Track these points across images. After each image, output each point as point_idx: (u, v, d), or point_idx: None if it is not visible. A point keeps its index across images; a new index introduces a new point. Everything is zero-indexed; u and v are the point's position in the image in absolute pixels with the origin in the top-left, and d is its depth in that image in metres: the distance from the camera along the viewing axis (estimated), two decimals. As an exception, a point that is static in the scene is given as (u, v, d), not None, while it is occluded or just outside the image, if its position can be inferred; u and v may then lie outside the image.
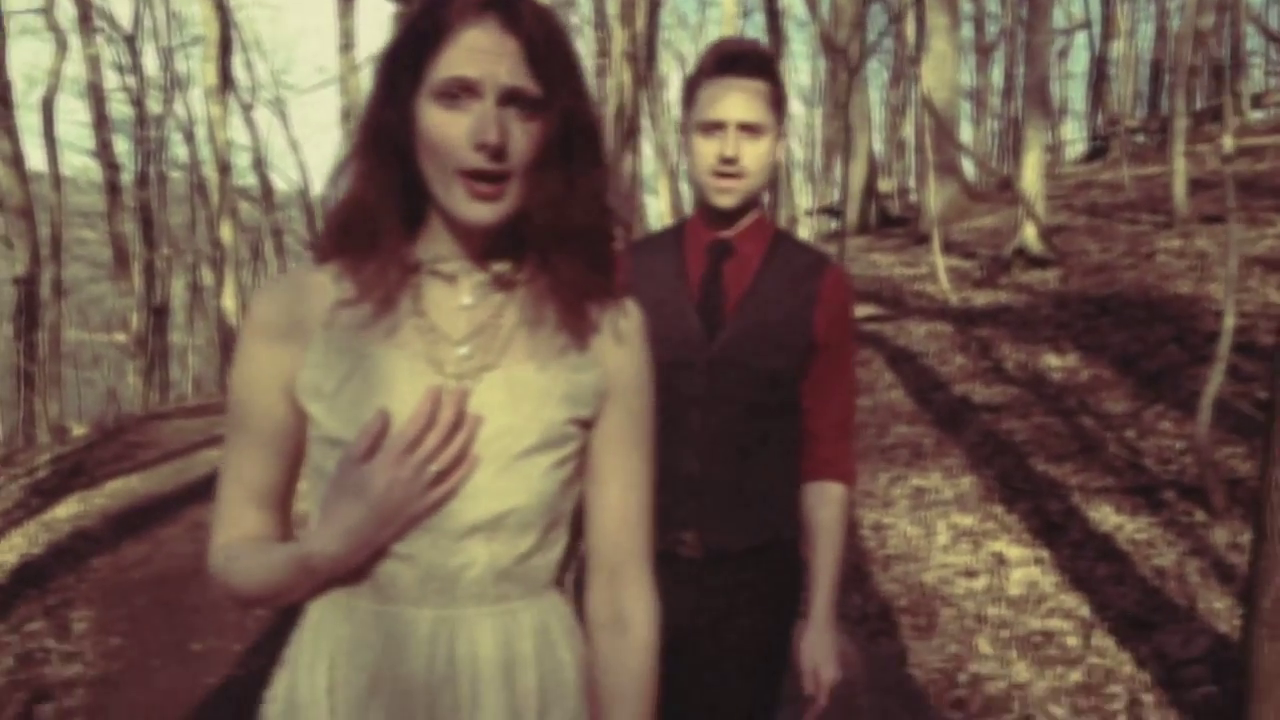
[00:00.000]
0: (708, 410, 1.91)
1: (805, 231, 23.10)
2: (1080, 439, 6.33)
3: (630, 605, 1.27)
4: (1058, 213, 12.62)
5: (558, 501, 1.21)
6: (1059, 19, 29.04)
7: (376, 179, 1.16)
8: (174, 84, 26.09)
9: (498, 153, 1.09)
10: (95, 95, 18.01)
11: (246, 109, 24.46)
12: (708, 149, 1.89)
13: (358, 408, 1.15)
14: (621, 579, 1.28)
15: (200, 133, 26.11)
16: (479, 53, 1.09)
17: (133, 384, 19.66)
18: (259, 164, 24.72)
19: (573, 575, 1.30)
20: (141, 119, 24.29)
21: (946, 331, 9.52)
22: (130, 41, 23.51)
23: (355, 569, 1.16)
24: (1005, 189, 14.68)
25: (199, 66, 19.97)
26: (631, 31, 17.69)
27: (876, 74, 34.19)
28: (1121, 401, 6.68)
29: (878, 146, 24.03)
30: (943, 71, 15.67)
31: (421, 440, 1.11)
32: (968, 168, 18.01)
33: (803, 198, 30.14)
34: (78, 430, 13.62)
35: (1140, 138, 18.64)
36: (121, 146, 23.15)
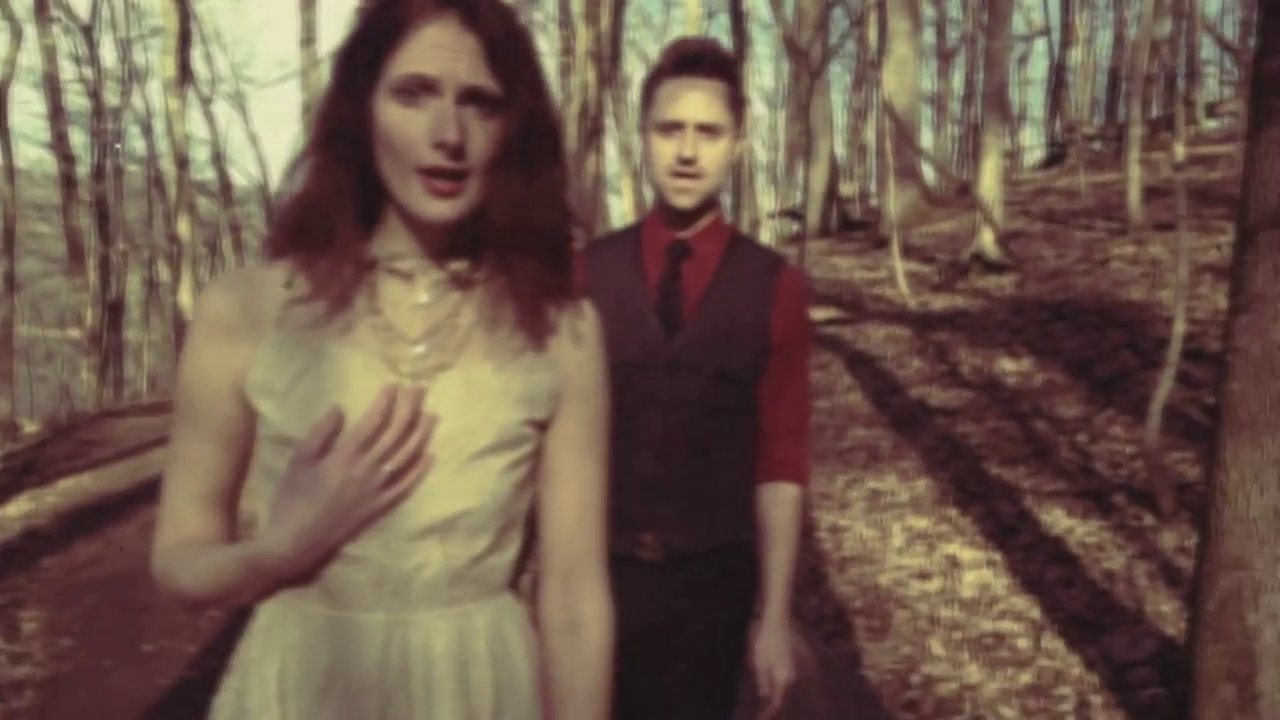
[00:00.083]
0: (666, 411, 1.91)
1: (767, 234, 23.22)
2: (1033, 443, 6.42)
3: (585, 607, 1.26)
4: (1015, 218, 12.76)
5: (512, 503, 1.20)
6: (1019, 25, 29.36)
7: (332, 175, 1.14)
8: (132, 76, 25.77)
9: (457, 152, 1.08)
10: (51, 86, 17.74)
11: (206, 102, 24.21)
12: (666, 149, 1.89)
13: (310, 406, 1.13)
14: (576, 581, 1.27)
15: (158, 126, 25.88)
16: (438, 50, 1.08)
17: (86, 381, 19.39)
18: (218, 158, 24.48)
19: (531, 577, 1.30)
20: (98, 111, 23.95)
21: (905, 335, 9.61)
22: (87, 32, 23.16)
23: (306, 571, 1.13)
24: (964, 194, 14.83)
25: (157, 59, 19.73)
26: (596, 30, 17.69)
27: (839, 77, 34.44)
28: (1074, 406, 6.78)
29: (840, 150, 24.20)
30: (904, 76, 15.80)
31: (376, 439, 1.10)
32: (928, 173, 18.16)
33: (765, 200, 30.28)
34: (30, 427, 13.42)
35: (1097, 145, 18.89)
36: (78, 139, 22.79)
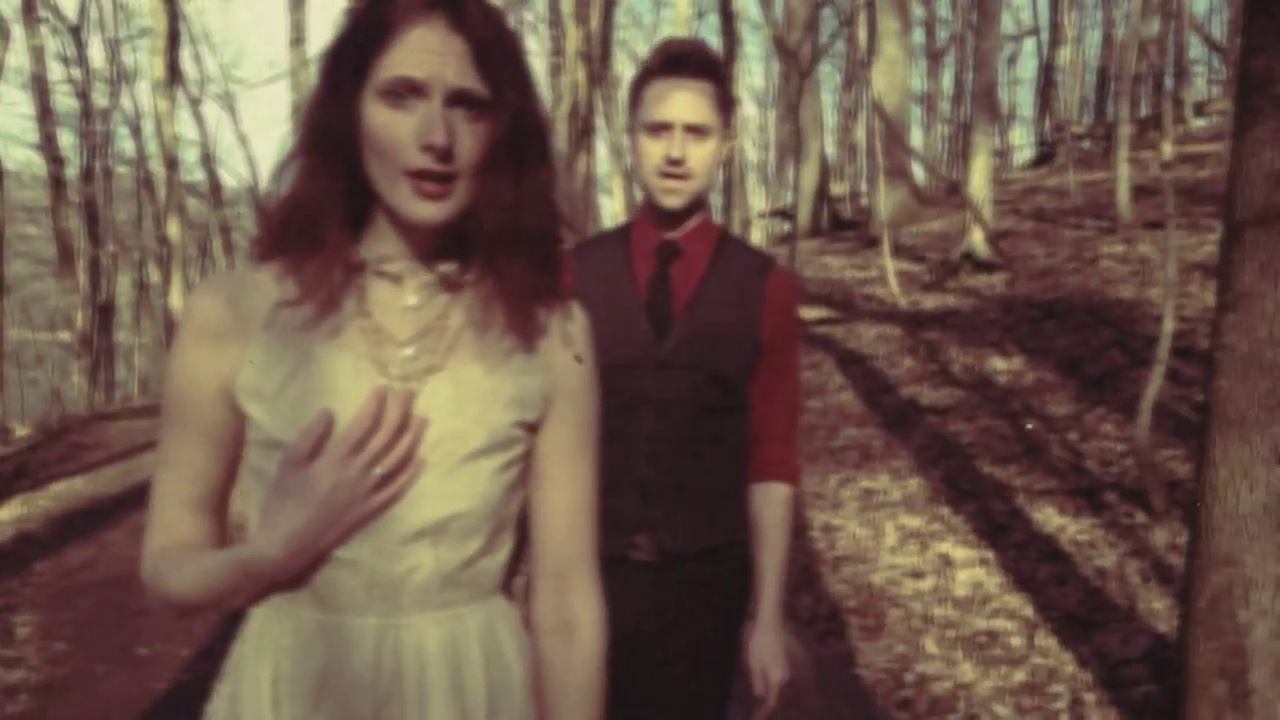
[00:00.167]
0: (658, 412, 1.91)
1: (758, 234, 23.23)
2: (1024, 441, 6.44)
3: (577, 609, 1.26)
4: (1005, 217, 12.80)
5: (503, 505, 1.20)
6: (1008, 25, 29.45)
7: (319, 177, 1.14)
8: (120, 77, 25.64)
9: (445, 154, 1.07)
10: (39, 87, 17.68)
11: (195, 103, 24.10)
12: (654, 150, 1.89)
13: (300, 409, 1.12)
14: (568, 583, 1.27)
15: (147, 127, 25.72)
16: (426, 53, 1.07)
17: (77, 384, 19.32)
18: (207, 159, 24.38)
19: (524, 579, 1.30)
20: (87, 112, 23.87)
21: (896, 334, 9.63)
22: (75, 33, 23.08)
23: (297, 575, 1.13)
24: (954, 193, 14.87)
25: (146, 59, 19.69)
26: (586, 30, 17.70)
27: (829, 77, 34.45)
28: (1065, 404, 6.80)
29: (830, 150, 24.22)
30: (893, 76, 15.83)
31: (366, 442, 1.10)
32: (918, 172, 18.20)
33: (756, 200, 30.30)
34: (21, 431, 13.36)
35: (1086, 144, 18.95)
36: (66, 140, 22.66)
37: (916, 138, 29.83)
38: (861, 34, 17.47)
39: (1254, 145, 2.95)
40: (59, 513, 7.72)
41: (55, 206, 17.91)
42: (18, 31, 16.85)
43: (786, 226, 21.23)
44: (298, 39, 17.56)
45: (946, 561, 5.18)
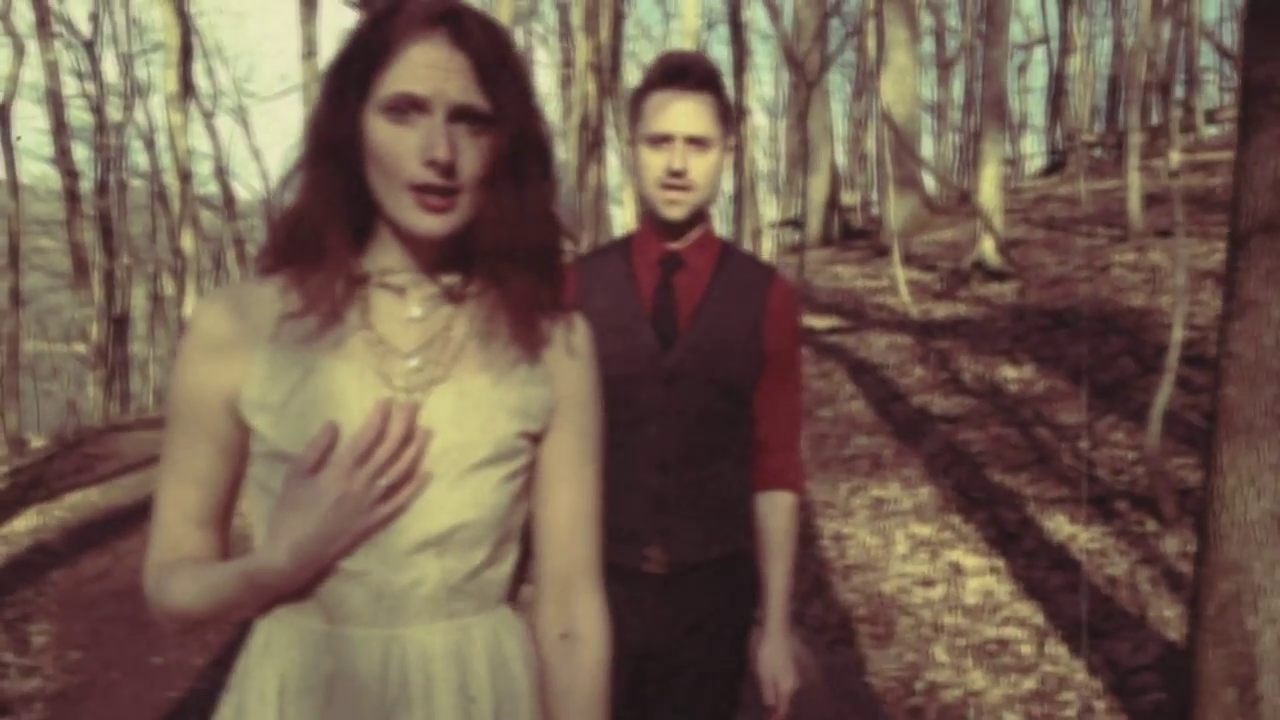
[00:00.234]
0: (665, 423, 1.92)
1: (769, 244, 23.23)
2: (1035, 450, 6.43)
3: (581, 620, 1.27)
4: (1016, 226, 12.78)
5: (509, 515, 1.20)
6: (1019, 34, 29.41)
7: (323, 190, 1.14)
8: (134, 91, 25.79)
9: (448, 169, 1.08)
10: (54, 102, 17.80)
11: (208, 116, 24.24)
12: (655, 161, 1.90)
13: (305, 421, 1.13)
14: (572, 592, 1.27)
15: (161, 140, 25.85)
16: (427, 69, 1.08)
17: (92, 395, 19.42)
18: (220, 172, 24.49)
19: (532, 589, 1.30)
20: (101, 126, 23.99)
21: (907, 343, 9.63)
22: (89, 47, 23.23)
23: (303, 586, 1.13)
24: (965, 202, 14.86)
25: (159, 73, 19.87)
26: (596, 42, 17.74)
27: (839, 87, 34.52)
28: (1076, 413, 6.79)
29: (841, 159, 24.23)
30: (903, 85, 15.84)
31: (371, 453, 1.10)
32: (928, 181, 18.19)
33: (768, 209, 30.31)
34: (36, 442, 13.44)
35: (1098, 152, 18.91)
36: (81, 154, 22.83)
37: (927, 147, 29.82)
38: (871, 44, 17.49)
39: (1258, 153, 2.97)
40: (74, 523, 7.76)
41: (70, 220, 18.01)
42: (32, 47, 17.00)
43: (797, 236, 21.24)
44: (309, 52, 17.63)
45: (957, 570, 5.18)
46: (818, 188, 18.27)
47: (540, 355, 1.23)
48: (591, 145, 17.70)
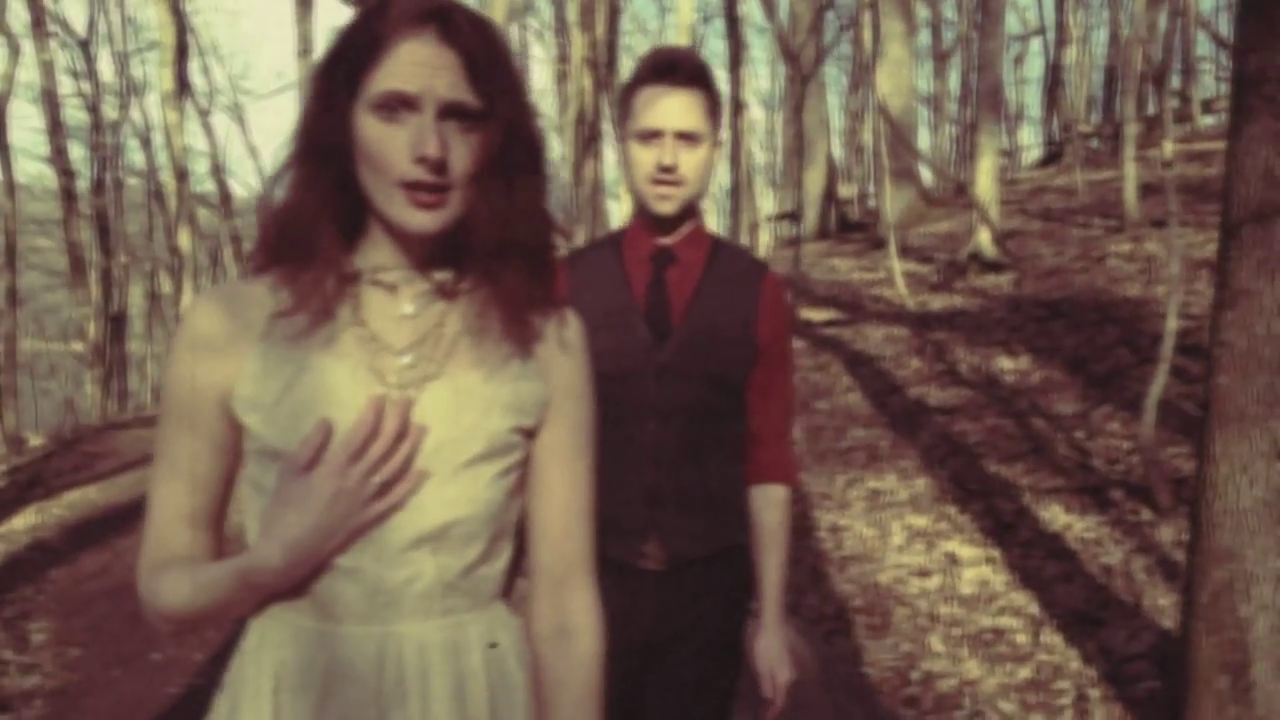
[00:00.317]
0: (661, 418, 1.92)
1: (765, 237, 23.24)
2: (1031, 440, 6.45)
3: (575, 616, 1.27)
4: (1012, 217, 12.80)
5: (503, 511, 1.20)
6: (1015, 25, 29.42)
7: (313, 188, 1.14)
8: (130, 89, 25.74)
9: (438, 166, 1.08)
10: (49, 101, 17.76)
11: (204, 114, 24.20)
12: (646, 157, 1.90)
13: (298, 419, 1.12)
14: (566, 588, 1.27)
15: (157, 139, 25.92)
16: (417, 66, 1.08)
17: (90, 394, 19.41)
18: (217, 170, 24.44)
19: (526, 583, 1.31)
20: (97, 125, 23.96)
21: (903, 335, 9.64)
22: (85, 46, 23.19)
23: (297, 584, 1.13)
24: (961, 194, 14.87)
25: (155, 72, 19.78)
26: (591, 37, 17.74)
27: (835, 80, 34.50)
28: (1071, 403, 6.81)
29: (837, 152, 24.22)
30: (899, 78, 15.85)
31: (365, 450, 1.10)
32: (925, 173, 18.20)
33: (765, 202, 30.32)
34: (35, 441, 13.45)
35: (1094, 143, 18.92)
36: (77, 153, 22.78)
37: (924, 139, 29.84)
38: (866, 36, 17.49)
39: (1249, 143, 2.98)
40: (73, 521, 7.77)
41: (67, 219, 18.00)
42: (27, 46, 16.98)
43: (794, 229, 21.25)
44: (305, 50, 17.62)
45: (953, 560, 5.20)
46: (814, 180, 18.28)
47: (533, 350, 1.23)
48: (588, 140, 17.71)
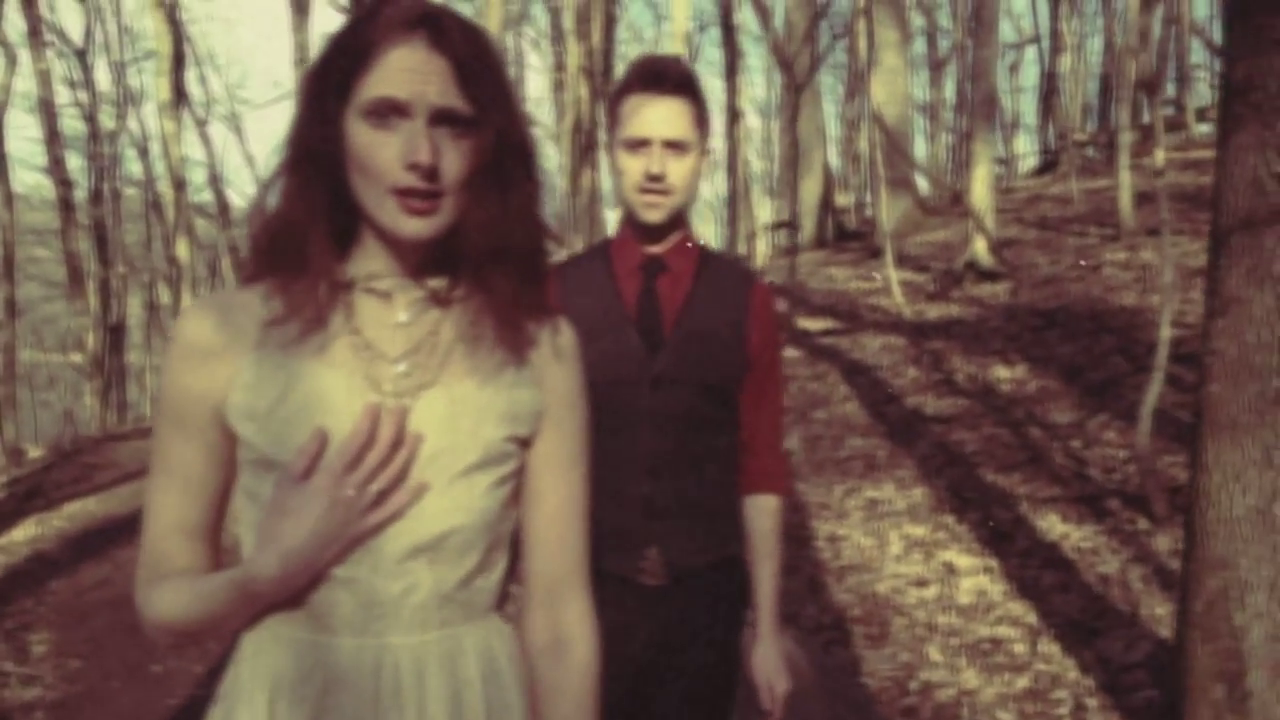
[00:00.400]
0: (655, 428, 1.92)
1: (763, 246, 23.26)
2: (1028, 449, 6.47)
3: (570, 627, 1.27)
4: (1008, 226, 12.82)
5: (499, 521, 1.20)
6: (1010, 34, 29.49)
7: (305, 196, 1.13)
8: (127, 99, 25.74)
9: (430, 173, 1.08)
10: (47, 110, 17.76)
11: (201, 124, 24.18)
12: (634, 166, 1.90)
13: (293, 428, 1.11)
14: (560, 598, 1.27)
15: (154, 148, 25.93)
16: (407, 72, 1.07)
17: (89, 405, 19.39)
18: (215, 180, 24.44)
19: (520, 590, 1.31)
20: (94, 135, 23.97)
21: (900, 344, 9.66)
22: (81, 56, 23.22)
23: (293, 595, 1.12)
24: (958, 203, 14.91)
25: (152, 81, 19.81)
26: (588, 46, 17.78)
27: (832, 89, 34.55)
28: (1067, 412, 6.83)
29: (834, 161, 24.25)
30: (894, 86, 15.89)
31: (361, 459, 1.09)
32: (921, 182, 18.23)
33: (762, 211, 30.34)
34: (34, 452, 13.45)
35: (1090, 151, 18.96)
36: (74, 163, 22.80)
37: (920, 148, 29.86)
38: (861, 45, 17.54)
39: (1237, 151, 3.00)
40: (73, 532, 7.78)
41: (65, 229, 17.99)
42: (24, 56, 17.01)
43: (791, 238, 21.25)
44: (302, 58, 17.65)
45: (950, 570, 5.21)
46: (811, 190, 18.30)
47: (527, 358, 1.23)
48: (585, 149, 17.74)
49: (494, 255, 1.17)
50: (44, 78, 17.40)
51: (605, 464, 1.54)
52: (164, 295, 25.89)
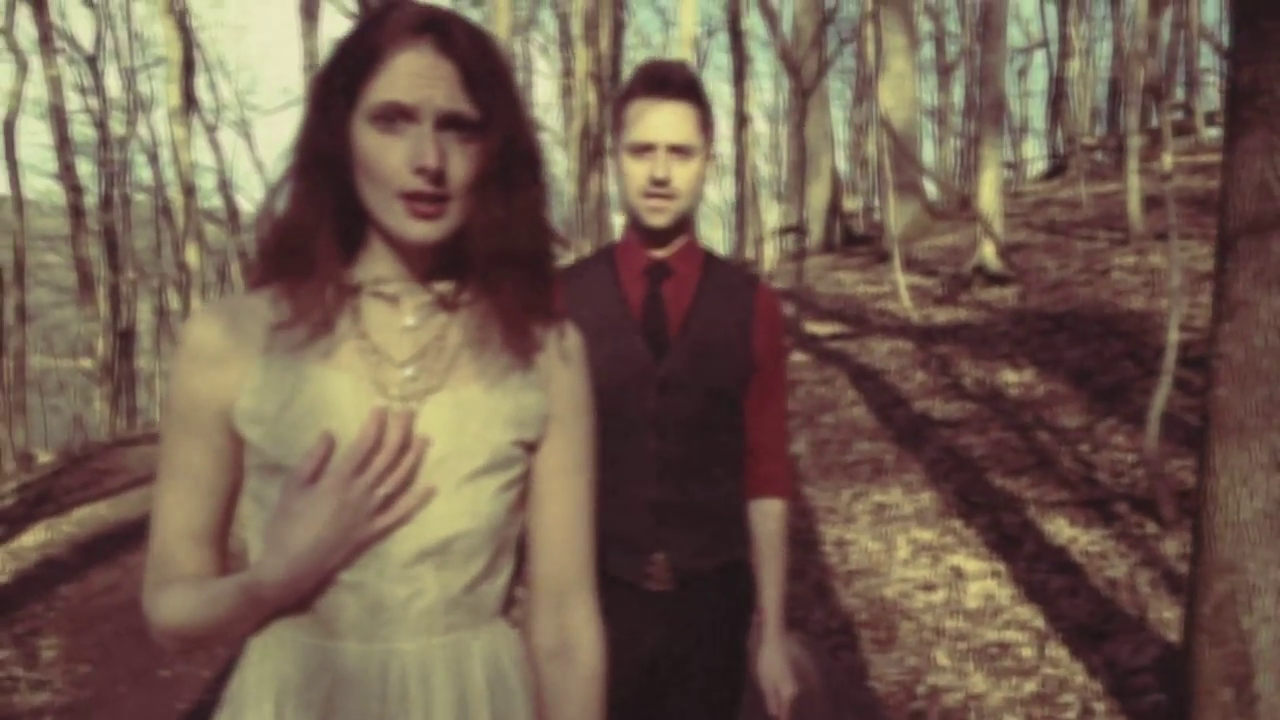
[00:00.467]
0: (661, 432, 1.92)
1: (771, 250, 23.26)
2: (1036, 453, 6.46)
3: (577, 632, 1.26)
4: (1017, 230, 12.81)
5: (505, 526, 1.20)
6: (1018, 38, 29.46)
7: (312, 201, 1.13)
8: (137, 105, 25.87)
9: (437, 177, 1.08)
10: (57, 117, 17.83)
11: (211, 130, 24.28)
12: (638, 170, 1.90)
13: (300, 432, 1.11)
14: (567, 603, 1.27)
15: (164, 154, 25.93)
16: (414, 77, 1.07)
17: (99, 410, 19.43)
18: (224, 186, 24.52)
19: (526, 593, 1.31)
20: (105, 141, 24.11)
21: (908, 349, 9.65)
22: (92, 63, 23.36)
23: (300, 599, 1.12)
24: (966, 207, 14.89)
25: (162, 87, 19.97)
26: (596, 51, 17.83)
27: (840, 93, 34.54)
28: (1076, 416, 6.82)
29: (842, 165, 24.25)
30: (902, 91, 15.88)
31: (369, 462, 1.09)
32: (929, 187, 18.22)
33: (770, 215, 30.33)
34: (44, 458, 13.50)
35: (1098, 155, 18.93)
36: (85, 169, 22.86)
37: (928, 152, 29.86)
38: (869, 50, 17.53)
39: (1244, 155, 3.00)
40: (83, 537, 7.80)
41: (75, 235, 18.05)
42: (35, 63, 17.07)
43: (800, 243, 21.23)
44: (311, 64, 17.70)
45: (958, 574, 5.20)
46: (818, 194, 18.30)
47: (534, 362, 1.23)
48: (593, 154, 17.77)
49: (501, 259, 1.17)
50: (55, 84, 17.47)
51: (611, 468, 1.54)
52: (174, 300, 26.01)
